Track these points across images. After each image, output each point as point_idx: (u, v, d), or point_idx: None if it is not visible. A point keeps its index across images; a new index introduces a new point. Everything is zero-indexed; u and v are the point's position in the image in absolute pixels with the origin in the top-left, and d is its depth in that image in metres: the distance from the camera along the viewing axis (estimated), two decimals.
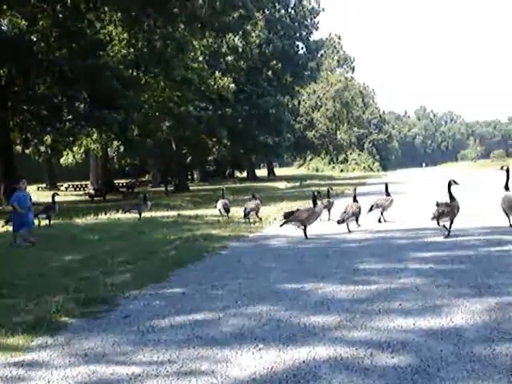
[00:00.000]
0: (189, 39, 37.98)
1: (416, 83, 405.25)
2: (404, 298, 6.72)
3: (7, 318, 6.72)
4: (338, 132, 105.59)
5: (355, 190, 15.31)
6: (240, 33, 51.64)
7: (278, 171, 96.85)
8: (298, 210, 13.78)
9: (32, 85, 33.39)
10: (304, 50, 69.14)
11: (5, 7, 30.73)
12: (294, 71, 65.72)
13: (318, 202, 13.61)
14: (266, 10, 59.57)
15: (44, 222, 18.25)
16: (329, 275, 8.42)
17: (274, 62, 63.15)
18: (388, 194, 15.32)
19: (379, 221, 15.06)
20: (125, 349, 5.58)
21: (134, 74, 36.73)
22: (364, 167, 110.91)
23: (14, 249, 13.47)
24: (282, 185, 52.51)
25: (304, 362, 4.88)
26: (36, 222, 16.84)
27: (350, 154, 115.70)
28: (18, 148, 40.26)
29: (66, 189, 52.15)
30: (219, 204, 18.79)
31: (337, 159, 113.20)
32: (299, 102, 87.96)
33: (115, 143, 46.13)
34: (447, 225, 11.59)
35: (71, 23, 31.77)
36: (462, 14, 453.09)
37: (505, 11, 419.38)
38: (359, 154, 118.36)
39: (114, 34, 36.80)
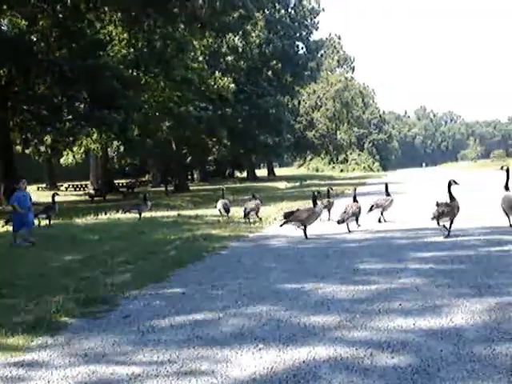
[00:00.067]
0: (189, 39, 37.98)
1: (416, 83, 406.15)
2: (404, 298, 6.72)
3: (7, 318, 6.72)
4: (338, 132, 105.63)
5: (355, 190, 15.28)
6: (240, 33, 51.63)
7: (278, 171, 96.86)
8: (297, 210, 13.78)
9: (32, 85, 33.40)
10: (304, 50, 69.16)
11: (5, 7, 30.73)
12: (293, 71, 65.73)
13: (318, 202, 13.60)
14: (265, 10, 59.58)
15: (44, 222, 18.25)
16: (329, 275, 8.42)
17: (274, 61, 63.16)
18: (388, 194, 15.31)
19: (379, 221, 15.05)
20: (125, 349, 5.58)
21: (134, 74, 36.73)
22: (364, 167, 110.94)
23: (13, 249, 13.47)
24: (281, 185, 52.51)
25: (304, 362, 4.88)
26: (36, 222, 16.84)
27: (350, 154, 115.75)
28: (18, 148, 40.25)
29: (66, 189, 52.14)
30: (219, 204, 18.80)
31: (337, 159, 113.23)
32: (299, 102, 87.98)
33: (115, 143, 46.14)
34: (447, 225, 11.59)
35: (71, 23, 31.78)
36: (462, 14, 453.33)
37: (505, 11, 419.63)
38: (359, 154, 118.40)
39: (114, 34, 36.80)
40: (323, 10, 71.02)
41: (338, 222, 13.38)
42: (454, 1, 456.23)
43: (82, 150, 46.98)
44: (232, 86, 46.29)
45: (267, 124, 60.96)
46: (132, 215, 20.41)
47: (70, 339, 5.98)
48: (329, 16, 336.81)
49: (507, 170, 12.27)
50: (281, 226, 13.29)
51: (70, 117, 34.65)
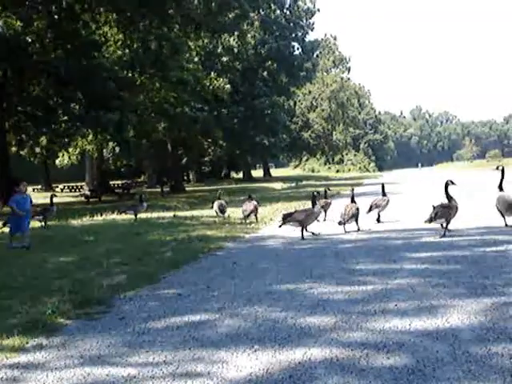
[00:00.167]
0: (184, 40, 37.98)
1: (411, 83, 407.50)
2: (400, 298, 6.72)
3: (2, 320, 6.71)
4: (334, 132, 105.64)
5: (353, 190, 15.03)
6: (236, 33, 51.63)
7: (274, 172, 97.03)
8: (296, 211, 13.78)
9: (27, 86, 33.36)
10: (299, 50, 69.28)
11: (0, 8, 30.70)
12: (289, 72, 65.83)
13: (317, 203, 13.60)
14: (261, 11, 59.63)
15: (39, 224, 18.21)
16: (325, 276, 8.41)
17: (270, 62, 63.26)
18: (384, 195, 15.30)
19: (378, 221, 15.03)
20: (120, 350, 5.56)
21: (130, 74, 36.71)
22: (360, 168, 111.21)
23: (9, 250, 13.42)
24: (277, 185, 52.53)
25: (300, 363, 4.87)
26: (31, 224, 16.71)
27: (346, 154, 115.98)
28: (13, 149, 40.20)
29: (62, 190, 52.10)
30: (215, 205, 18.80)
31: (332, 160, 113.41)
32: (295, 103, 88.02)
33: (111, 144, 46.13)
34: (444, 225, 11.60)
35: (66, 24, 31.75)
36: (457, 15, 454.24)
37: (500, 12, 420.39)
38: (355, 155, 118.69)
39: (109, 34, 36.80)
40: (318, 10, 71.18)
41: (339, 223, 13.40)
42: (450, 2, 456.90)
43: (77, 151, 46.97)
44: (227, 86, 46.33)
45: (263, 125, 61.05)
46: (128, 216, 20.39)
47: (65, 341, 5.96)
48: (324, 16, 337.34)
49: (502, 170, 12.30)
50: (279, 226, 13.26)
51: (66, 118, 34.64)
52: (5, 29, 33.19)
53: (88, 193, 44.36)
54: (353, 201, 14.00)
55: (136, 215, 19.80)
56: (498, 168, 12.62)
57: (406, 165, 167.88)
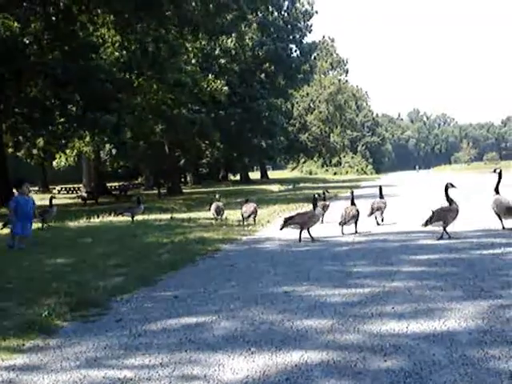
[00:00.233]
0: (181, 42, 37.97)
1: (409, 86, 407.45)
2: (397, 301, 6.72)
3: None
4: (332, 135, 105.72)
5: (352, 193, 14.97)
6: (234, 35, 51.63)
7: (272, 174, 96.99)
8: (297, 214, 13.78)
9: (24, 87, 33.32)
10: (297, 52, 69.28)
11: None
12: (287, 74, 65.84)
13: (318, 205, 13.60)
14: (259, 13, 59.63)
15: (39, 225, 18.21)
16: (322, 278, 8.41)
17: (267, 64, 63.29)
18: (382, 197, 15.30)
19: (378, 224, 15.02)
20: (117, 352, 5.55)
21: (127, 76, 36.66)
22: (357, 170, 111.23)
23: (4, 252, 13.37)
24: (275, 187, 52.50)
25: (296, 365, 4.86)
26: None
27: (344, 156, 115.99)
28: (10, 150, 40.13)
29: (59, 192, 51.93)
30: (212, 207, 18.80)
31: (330, 162, 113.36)
32: (292, 105, 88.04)
33: (108, 146, 46.04)
34: (441, 228, 11.61)
35: (64, 26, 31.73)
36: (455, 17, 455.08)
37: (498, 15, 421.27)
38: (352, 157, 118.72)
39: (106, 36, 36.74)
40: (316, 12, 71.14)
41: (340, 224, 13.41)
42: (448, 4, 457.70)
43: (74, 153, 46.85)
44: (225, 88, 46.28)
45: (260, 127, 61.06)
46: (124, 218, 20.36)
47: (61, 343, 5.95)
48: (322, 19, 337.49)
49: (499, 173, 12.32)
50: (280, 229, 13.17)
51: (63, 119, 34.58)
52: (2, 30, 33.16)
53: (85, 194, 44.23)
54: (353, 203, 13.99)
55: (133, 217, 19.77)
56: (495, 171, 12.64)
57: (403, 167, 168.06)
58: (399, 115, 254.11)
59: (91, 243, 14.09)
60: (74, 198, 47.01)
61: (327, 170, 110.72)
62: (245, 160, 70.71)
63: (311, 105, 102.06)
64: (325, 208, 16.62)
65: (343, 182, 65.02)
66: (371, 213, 14.92)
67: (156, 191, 45.79)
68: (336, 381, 4.47)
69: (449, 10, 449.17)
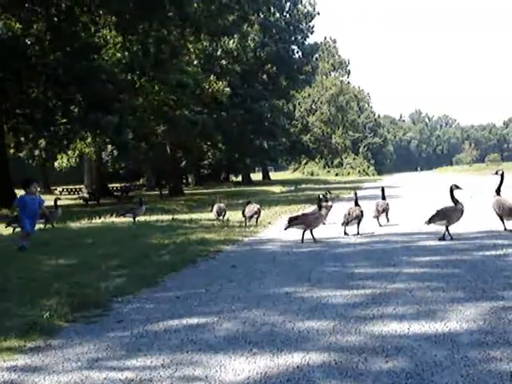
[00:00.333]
0: (183, 43, 37.99)
1: (411, 87, 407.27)
2: (398, 302, 6.71)
3: (0, 322, 6.69)
4: (333, 136, 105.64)
5: (356, 194, 14.98)
6: (236, 36, 51.67)
7: (273, 175, 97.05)
8: (303, 214, 13.77)
9: (26, 88, 33.35)
10: (299, 53, 69.28)
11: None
12: (289, 75, 65.87)
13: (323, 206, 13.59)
14: (261, 14, 59.66)
15: (43, 226, 18.24)
16: (323, 279, 8.40)
17: (269, 65, 63.27)
18: (384, 198, 15.29)
19: (380, 225, 14.99)
20: (118, 353, 5.55)
21: (129, 77, 36.69)
22: (359, 171, 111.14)
23: (5, 253, 13.34)
24: (276, 189, 52.51)
25: (298, 367, 4.85)
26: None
27: (345, 158, 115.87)
28: (12, 151, 40.18)
29: (60, 192, 52.09)
30: (215, 208, 18.82)
31: (332, 163, 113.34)
32: (294, 106, 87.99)
33: (109, 147, 46.08)
34: (443, 228, 11.60)
35: (66, 27, 31.76)
36: (457, 19, 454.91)
37: (500, 16, 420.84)
38: (354, 158, 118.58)
39: (108, 37, 36.79)
40: (318, 13, 71.16)
41: (342, 224, 13.40)
42: (450, 5, 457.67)
43: (76, 154, 46.91)
44: (227, 89, 46.35)
45: (262, 128, 61.09)
46: (126, 219, 20.37)
47: (63, 344, 5.95)
48: (324, 20, 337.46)
49: (502, 175, 12.31)
50: (285, 229, 13.12)
51: (65, 120, 34.61)
52: (4, 31, 33.22)
53: (86, 195, 44.31)
54: (356, 204, 13.96)
55: (135, 218, 19.78)
56: (497, 173, 12.62)
57: (405, 169, 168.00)
58: (401, 116, 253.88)
59: (93, 244, 14.08)
60: (75, 198, 47.09)
61: (329, 172, 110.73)
62: (246, 161, 70.77)
63: (313, 106, 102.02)
64: (328, 209, 16.61)
65: (345, 183, 65.00)
66: (378, 214, 14.87)
67: (158, 192, 45.84)
68: (337, 382, 4.46)
69: (450, 10, 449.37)
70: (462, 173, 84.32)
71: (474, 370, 4.50)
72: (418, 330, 5.63)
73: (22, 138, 37.51)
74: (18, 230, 16.43)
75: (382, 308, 6.50)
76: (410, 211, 18.83)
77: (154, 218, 22.13)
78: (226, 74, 53.82)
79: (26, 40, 32.36)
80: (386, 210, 15.04)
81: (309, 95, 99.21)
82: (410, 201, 24.36)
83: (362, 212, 13.60)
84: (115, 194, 49.09)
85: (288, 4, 68.30)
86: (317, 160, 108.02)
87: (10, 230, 17.88)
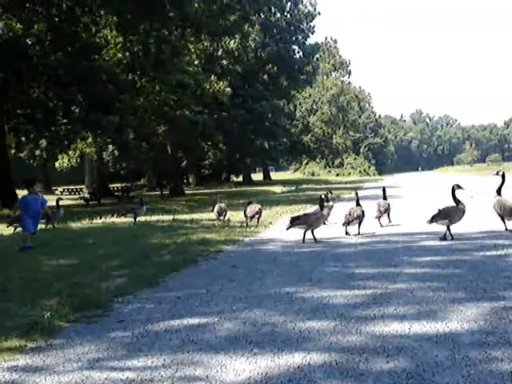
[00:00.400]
0: (184, 43, 37.99)
1: (412, 87, 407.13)
2: (399, 302, 6.70)
3: (1, 322, 6.69)
4: (334, 136, 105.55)
5: (357, 194, 14.93)
6: (237, 36, 51.64)
7: (274, 175, 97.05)
8: (304, 214, 13.76)
9: (27, 88, 33.36)
10: (300, 53, 69.20)
11: (0, 10, 30.73)
12: (289, 75, 65.77)
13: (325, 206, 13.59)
14: (261, 14, 59.61)
15: (44, 226, 18.25)
16: (324, 280, 8.40)
17: (270, 65, 63.21)
18: (385, 198, 15.28)
19: (381, 225, 14.98)
20: (119, 353, 5.55)
21: (130, 77, 36.69)
22: (360, 171, 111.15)
23: (7, 253, 13.35)
24: (277, 189, 52.51)
25: (299, 367, 4.85)
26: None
27: (346, 158, 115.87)
28: (12, 151, 40.18)
29: (61, 193, 52.04)
30: (216, 208, 18.83)
31: (333, 163, 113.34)
32: (295, 106, 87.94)
33: (110, 147, 46.08)
34: (445, 227, 11.60)
35: (66, 27, 31.77)
36: (458, 19, 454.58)
37: (501, 16, 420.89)
38: (355, 158, 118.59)
39: (109, 37, 36.79)
40: (319, 13, 71.02)
41: (343, 224, 13.39)
42: (451, 6, 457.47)
43: (77, 154, 46.91)
44: (228, 89, 46.30)
45: (263, 128, 61.07)
46: (127, 219, 20.38)
47: (63, 344, 5.95)
48: (325, 20, 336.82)
49: (503, 175, 12.31)
50: (287, 229, 13.10)
51: (66, 120, 34.63)
52: (5, 31, 33.23)
53: (87, 196, 44.28)
54: (358, 204, 13.94)
55: (135, 218, 19.79)
56: (498, 173, 12.62)
57: (405, 169, 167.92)
58: (402, 116, 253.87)
59: (93, 244, 14.08)
60: (76, 199, 47.05)
61: (330, 172, 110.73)
62: (247, 161, 70.75)
63: (314, 106, 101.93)
64: (329, 209, 16.60)
65: (346, 183, 64.98)
66: (380, 215, 14.85)
67: (158, 192, 45.85)
68: (338, 382, 4.46)
69: (451, 10, 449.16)
70: (462, 173, 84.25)
71: (474, 370, 4.50)
72: (418, 330, 5.63)
73: (23, 138, 37.52)
74: (18, 229, 16.45)
75: (383, 308, 6.50)
76: (411, 211, 18.82)
77: (154, 218, 22.14)
78: (226, 74, 53.80)
79: (27, 40, 32.37)
80: (387, 210, 15.05)
81: (309, 95, 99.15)
82: (411, 201, 24.34)
83: (363, 212, 13.58)
84: (116, 194, 49.08)
85: (289, 4, 68.22)
86: (318, 160, 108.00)
87: (11, 230, 17.90)
